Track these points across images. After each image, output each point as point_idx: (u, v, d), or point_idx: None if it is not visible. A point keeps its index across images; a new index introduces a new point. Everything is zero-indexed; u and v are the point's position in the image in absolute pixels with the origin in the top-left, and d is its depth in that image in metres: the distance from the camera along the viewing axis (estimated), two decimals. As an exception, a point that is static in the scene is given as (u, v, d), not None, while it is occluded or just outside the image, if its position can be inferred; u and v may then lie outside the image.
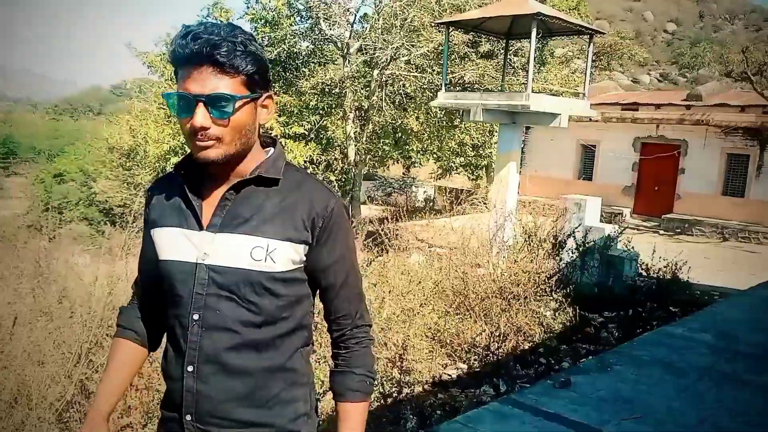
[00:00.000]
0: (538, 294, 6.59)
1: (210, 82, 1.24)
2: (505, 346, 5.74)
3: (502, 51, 13.63)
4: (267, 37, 13.54)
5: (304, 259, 1.38)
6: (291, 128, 13.18)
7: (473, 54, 14.78)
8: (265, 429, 1.37)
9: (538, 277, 6.67)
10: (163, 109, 14.12)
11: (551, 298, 6.68)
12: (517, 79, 15.06)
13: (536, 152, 18.90)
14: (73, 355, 4.00)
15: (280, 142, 1.49)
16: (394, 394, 4.57)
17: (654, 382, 4.17)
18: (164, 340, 1.50)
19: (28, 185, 27.51)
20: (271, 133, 10.64)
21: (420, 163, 24.80)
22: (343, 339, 1.46)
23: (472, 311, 6.20)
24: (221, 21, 11.20)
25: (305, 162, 12.98)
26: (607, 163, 17.57)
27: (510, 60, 14.06)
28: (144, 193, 1.50)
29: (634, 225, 15.60)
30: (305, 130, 13.89)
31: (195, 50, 1.23)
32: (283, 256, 1.33)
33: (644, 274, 8.11)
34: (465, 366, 5.52)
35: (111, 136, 18.28)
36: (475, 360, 5.55)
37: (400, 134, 16.04)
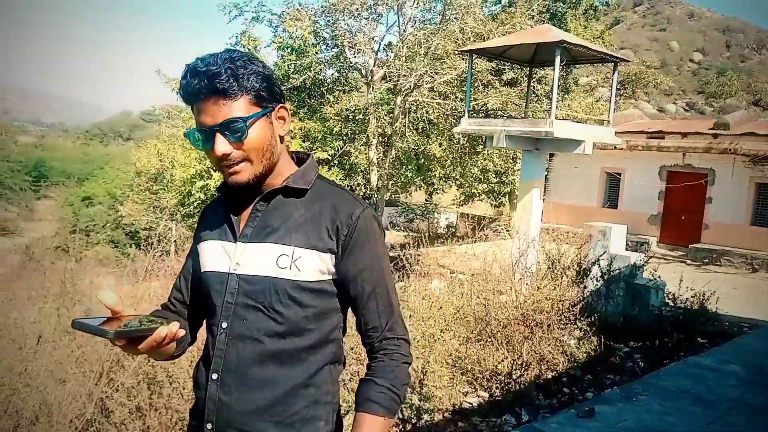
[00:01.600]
0: (562, 322, 6.49)
1: (219, 110, 1.30)
2: (527, 374, 5.64)
3: (525, 78, 13.67)
4: (293, 65, 13.77)
5: (333, 270, 1.38)
6: (315, 153, 13.32)
7: (496, 81, 14.85)
8: None
9: (562, 304, 6.56)
10: (191, 134, 14.34)
11: (575, 326, 6.57)
12: (541, 107, 15.07)
13: (560, 180, 18.78)
14: (94, 374, 4.03)
15: (313, 156, 1.52)
16: (413, 421, 4.51)
17: (681, 413, 4.05)
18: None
19: (58, 208, 28.10)
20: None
21: (442, 190, 24.79)
22: (372, 351, 1.45)
23: (493, 338, 6.11)
24: (248, 49, 11.47)
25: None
26: (633, 191, 17.36)
27: (533, 87, 14.09)
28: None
29: (661, 254, 15.33)
30: (329, 155, 14.02)
31: (197, 86, 1.29)
32: (309, 264, 1.35)
33: (671, 303, 7.95)
34: (486, 394, 5.43)
35: (139, 160, 18.68)
36: (496, 388, 5.46)
37: (422, 160, 16.09)
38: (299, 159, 1.50)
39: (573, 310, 6.62)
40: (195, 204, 14.25)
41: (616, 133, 10.57)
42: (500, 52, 10.45)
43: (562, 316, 6.47)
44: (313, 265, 1.35)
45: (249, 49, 14.21)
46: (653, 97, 40.46)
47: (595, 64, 15.21)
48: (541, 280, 7.23)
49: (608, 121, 10.25)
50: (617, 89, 16.90)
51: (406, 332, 1.46)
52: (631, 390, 4.47)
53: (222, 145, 1.30)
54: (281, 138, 1.42)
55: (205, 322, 1.48)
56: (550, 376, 5.81)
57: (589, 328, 6.53)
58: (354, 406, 1.42)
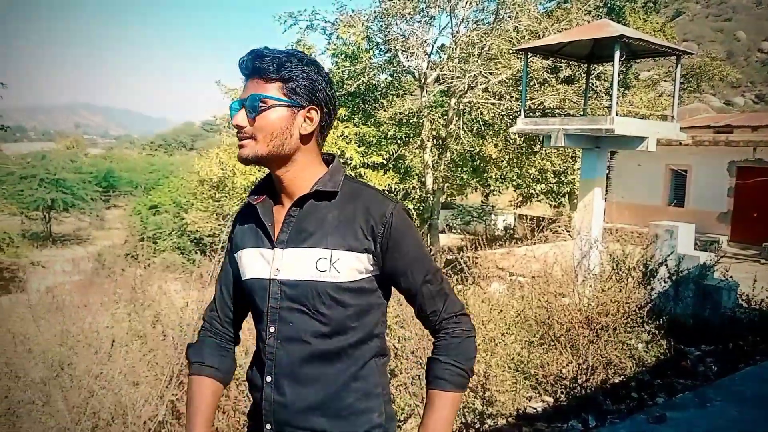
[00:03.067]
0: (629, 325, 6.29)
1: (252, 88, 1.41)
2: (593, 379, 5.50)
3: (583, 75, 13.35)
4: (347, 71, 13.92)
5: (371, 268, 1.43)
6: (370, 158, 13.43)
7: (553, 79, 14.56)
8: None
9: (628, 307, 6.37)
10: (250, 142, 14.71)
11: (643, 329, 6.36)
12: (600, 104, 14.67)
13: (622, 178, 18.24)
14: (165, 377, 4.17)
15: (338, 158, 1.57)
16: (476, 425, 4.47)
17: (759, 420, 3.86)
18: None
19: (126, 217, 29.22)
20: (350, 163, 10.81)
21: (499, 191, 24.46)
22: (434, 332, 1.52)
23: (557, 342, 5.99)
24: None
25: (384, 190, 13.16)
26: (700, 188, 16.67)
27: (592, 84, 13.75)
28: (230, 221, 1.62)
29: (732, 253, 14.64)
30: (384, 159, 14.10)
31: (244, 62, 1.41)
32: (347, 265, 1.39)
33: (745, 305, 7.59)
34: (551, 399, 5.33)
35: (201, 169, 19.26)
36: (561, 393, 5.35)
37: (478, 162, 15.94)
38: (327, 162, 1.54)
39: (640, 313, 6.41)
40: (255, 210, 14.55)
41: (681, 128, 10.18)
42: (556, 49, 10.23)
43: (629, 319, 6.28)
44: (351, 266, 1.40)
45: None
46: (719, 91, 38.77)
47: (657, 58, 14.69)
48: (605, 282, 7.04)
49: (672, 117, 9.88)
50: (680, 83, 16.30)
51: (463, 306, 1.51)
52: (704, 395, 4.29)
53: (239, 116, 1.40)
54: (306, 138, 1.45)
55: (254, 326, 1.53)
56: (617, 381, 5.64)
57: (657, 331, 6.31)
58: (425, 384, 1.48)
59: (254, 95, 1.39)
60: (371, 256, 1.41)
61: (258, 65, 1.39)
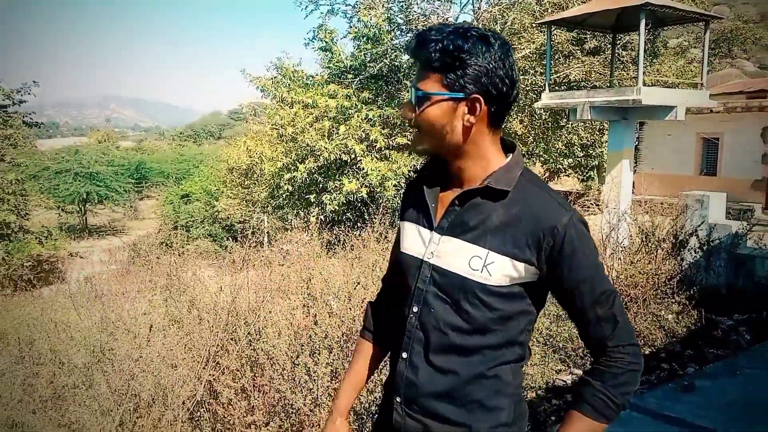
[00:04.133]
0: (658, 296, 6.25)
1: (416, 78, 1.36)
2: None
3: (609, 46, 13.08)
4: (369, 54, 13.90)
5: (529, 277, 1.34)
6: (395, 139, 13.43)
7: (578, 51, 14.30)
8: (462, 430, 1.39)
9: (658, 278, 6.32)
10: (276, 129, 14.88)
11: (673, 300, 6.31)
12: (627, 74, 14.36)
13: (652, 149, 17.89)
14: (202, 359, 4.30)
15: (519, 150, 1.47)
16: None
17: (792, 387, 3.84)
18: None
19: (159, 206, 29.73)
20: (375, 146, 10.77)
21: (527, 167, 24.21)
22: (598, 356, 1.37)
23: (585, 315, 6.00)
24: (325, 42, 11.46)
25: (409, 171, 13.16)
26: (733, 156, 16.27)
27: (618, 54, 13.46)
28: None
29: (767, 221, 14.32)
30: (408, 140, 14.11)
31: (409, 47, 1.37)
32: (500, 270, 1.32)
33: (780, 273, 7.46)
34: (580, 371, 5.36)
35: (230, 157, 19.46)
36: (591, 366, 5.37)
37: (504, 138, 15.79)
38: (506, 149, 1.44)
39: (669, 284, 6.35)
40: (284, 195, 14.73)
41: (710, 95, 9.94)
42: (580, 20, 10.04)
43: (658, 291, 6.24)
44: (505, 272, 1.33)
45: (326, 42, 14.47)
46: (753, 54, 37.49)
47: (685, 25, 14.31)
48: (634, 255, 6.98)
49: (702, 84, 9.65)
50: (711, 48, 15.83)
51: (633, 335, 1.37)
52: (735, 363, 4.28)
53: (406, 107, 1.38)
54: (470, 129, 1.35)
55: (401, 297, 1.51)
56: (647, 352, 5.63)
57: (688, 302, 6.25)
58: (570, 400, 1.41)
59: (414, 87, 1.34)
60: (532, 267, 1.33)
61: (421, 54, 1.33)
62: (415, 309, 1.41)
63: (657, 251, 7.00)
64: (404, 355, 1.43)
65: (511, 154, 1.42)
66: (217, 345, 4.43)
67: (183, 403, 4.05)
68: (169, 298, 5.30)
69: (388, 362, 1.59)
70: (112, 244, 23.85)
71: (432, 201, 1.43)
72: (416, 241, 1.44)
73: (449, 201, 1.41)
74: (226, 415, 4.06)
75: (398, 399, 1.45)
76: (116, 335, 4.45)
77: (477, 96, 1.31)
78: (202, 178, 27.16)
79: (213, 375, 4.25)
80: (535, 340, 5.39)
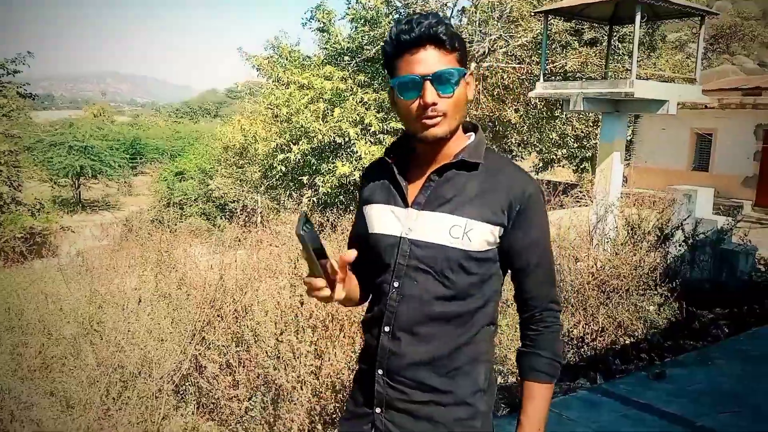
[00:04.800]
0: (641, 288, 6.35)
1: (435, 61, 1.37)
2: (603, 340, 5.61)
3: (606, 38, 13.10)
4: (366, 36, 13.85)
5: (498, 240, 1.46)
6: (389, 124, 13.43)
7: (576, 42, 14.31)
8: (446, 396, 1.47)
9: (641, 270, 6.42)
10: (271, 109, 14.85)
11: (655, 292, 6.41)
12: (623, 66, 14.40)
13: (646, 142, 17.97)
14: (188, 333, 4.38)
15: (481, 128, 1.57)
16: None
17: (761, 377, 3.95)
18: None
19: (153, 183, 29.66)
20: (370, 129, 10.76)
21: (521, 156, 24.26)
22: (532, 320, 1.52)
23: (567, 304, 6.09)
24: (322, 22, 11.48)
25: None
26: (725, 152, 16.37)
27: (615, 47, 13.49)
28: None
29: (756, 218, 14.45)
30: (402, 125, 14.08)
31: (421, 33, 1.35)
32: (479, 236, 1.42)
33: (763, 269, 7.57)
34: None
35: (224, 135, 19.42)
36: (573, 353, 5.47)
37: (498, 127, 15.82)
38: (465, 129, 1.54)
39: (653, 275, 6.46)
40: (277, 176, 14.74)
41: (703, 91, 10.00)
42: (577, 11, 10.05)
43: (641, 282, 6.34)
44: (483, 237, 1.43)
45: (323, 23, 14.42)
46: (752, 51, 37.47)
47: (684, 19, 14.32)
48: (619, 246, 7.08)
49: (695, 79, 9.71)
50: (709, 44, 15.86)
51: (560, 302, 1.56)
52: (707, 354, 4.39)
53: (431, 94, 1.36)
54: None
55: (372, 277, 1.56)
56: (628, 342, 5.74)
57: (670, 294, 6.36)
58: (520, 374, 1.53)
59: (449, 71, 1.37)
60: (502, 229, 1.44)
61: (440, 36, 1.36)
62: (396, 284, 1.47)
63: (642, 243, 7.11)
64: (386, 328, 1.48)
65: (474, 134, 1.52)
66: (204, 321, 4.51)
67: (169, 375, 4.13)
68: (159, 275, 5.36)
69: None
70: (105, 219, 23.83)
71: (403, 181, 1.50)
72: (390, 220, 1.50)
73: (422, 179, 1.48)
74: (210, 389, 4.15)
75: (380, 371, 1.50)
76: (105, 309, 4.51)
77: (471, 71, 1.46)
78: (197, 156, 27.10)
79: (199, 350, 4.33)
80: (516, 325, 5.47)
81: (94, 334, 4.24)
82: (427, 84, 1.36)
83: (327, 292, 1.36)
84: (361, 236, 1.59)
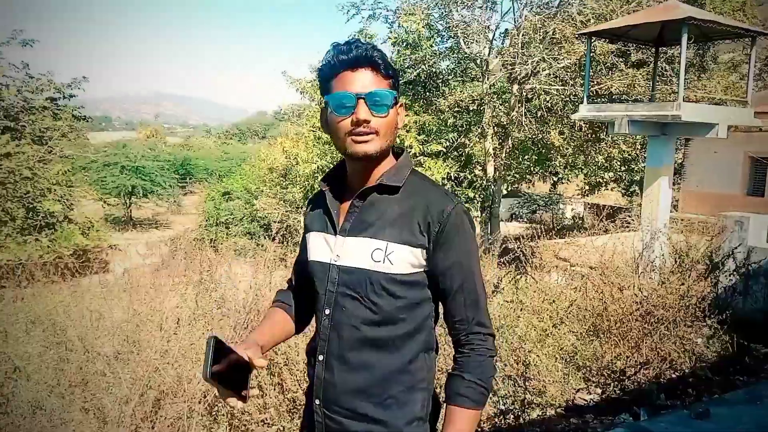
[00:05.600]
0: (688, 319, 6.09)
1: (370, 82, 1.42)
2: (647, 373, 5.38)
3: (653, 59, 12.83)
4: (408, 59, 13.94)
5: (424, 263, 1.46)
6: (429, 146, 13.42)
7: (621, 63, 14.04)
8: (380, 426, 1.45)
9: (689, 300, 6.16)
10: (313, 131, 15.07)
11: (704, 324, 6.13)
12: (671, 88, 14.04)
13: (697, 165, 17.39)
14: (222, 354, 4.38)
15: (407, 152, 1.60)
16: (516, 412, 4.50)
17: (815, 420, 3.70)
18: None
19: (201, 203, 30.34)
20: (410, 151, 10.88)
21: (567, 179, 23.84)
22: (459, 343, 1.51)
23: (609, 334, 5.88)
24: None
25: (443, 179, 13.11)
26: (783, 177, 15.68)
27: (663, 68, 13.17)
28: (303, 206, 1.74)
29: (816, 246, 13.72)
30: (443, 147, 14.06)
31: (358, 54, 1.41)
32: (401, 258, 1.44)
33: (824, 301, 7.17)
34: (599, 391, 5.26)
35: (268, 157, 19.76)
36: (614, 386, 5.27)
37: (541, 149, 15.61)
38: (394, 154, 1.57)
39: (701, 306, 6.18)
40: (318, 198, 14.85)
41: (756, 113, 9.63)
42: (622, 32, 9.89)
43: (688, 313, 6.07)
44: (405, 259, 1.43)
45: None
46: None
47: (737, 40, 13.91)
48: (666, 275, 6.82)
49: (746, 102, 9.37)
50: (764, 64, 15.34)
51: (491, 327, 1.51)
52: (757, 391, 4.15)
53: (364, 111, 1.40)
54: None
55: (314, 306, 1.60)
56: (673, 376, 5.49)
57: (720, 326, 6.07)
58: (444, 399, 1.50)
59: (383, 92, 1.41)
60: (425, 251, 1.44)
61: (377, 60, 1.42)
62: (327, 311, 1.49)
63: (690, 272, 6.83)
64: (320, 357, 1.50)
65: (400, 158, 1.55)
66: (238, 342, 4.53)
67: (204, 396, 4.15)
68: (200, 294, 5.43)
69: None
70: (154, 238, 24.46)
71: (334, 208, 1.53)
72: (323, 247, 1.53)
73: (349, 205, 1.51)
74: (242, 411, 4.15)
75: (317, 402, 1.50)
76: (144, 327, 4.58)
77: (403, 103, 1.51)
78: (243, 177, 27.62)
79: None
80: (556, 356, 5.32)
81: (131, 352, 4.30)
82: (361, 102, 1.40)
83: (240, 403, 1.37)
84: (302, 263, 1.64)
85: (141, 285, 6.15)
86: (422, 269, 1.46)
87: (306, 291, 1.63)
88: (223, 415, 4.28)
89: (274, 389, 4.35)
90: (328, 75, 1.45)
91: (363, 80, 1.41)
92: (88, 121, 14.75)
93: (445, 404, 1.49)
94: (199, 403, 4.09)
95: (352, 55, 1.41)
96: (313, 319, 1.65)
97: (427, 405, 1.50)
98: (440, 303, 1.53)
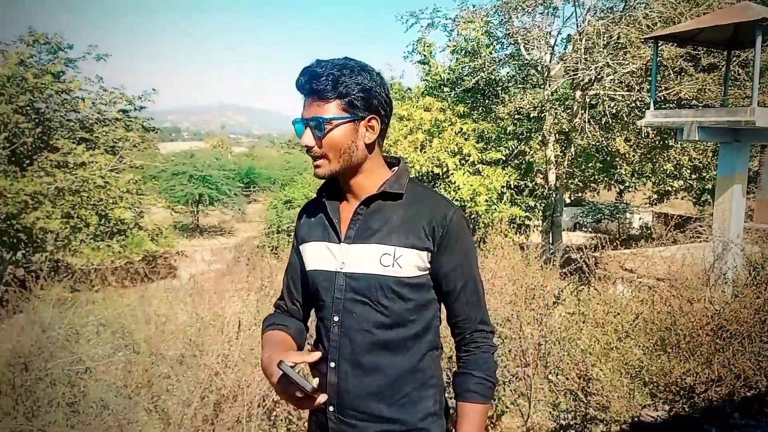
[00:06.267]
0: (765, 335, 5.77)
1: (312, 108, 1.48)
2: (718, 390, 5.13)
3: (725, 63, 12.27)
4: (467, 67, 13.85)
5: (429, 266, 1.52)
6: (488, 154, 13.27)
7: (691, 68, 13.48)
8: (397, 425, 1.51)
9: (765, 315, 5.84)
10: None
11: (784, 340, 5.79)
12: (744, 93, 13.36)
13: (777, 174, 16.45)
14: (281, 361, 4.45)
15: (404, 161, 1.65)
16: (578, 427, 4.37)
17: None
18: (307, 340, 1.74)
19: (264, 211, 31.04)
20: (468, 159, 10.79)
21: (635, 187, 23.04)
22: (464, 342, 1.58)
23: (678, 348, 5.64)
24: (423, 55, 11.73)
25: (502, 187, 12.93)
26: None
27: (735, 72, 12.58)
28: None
29: None
30: (503, 155, 13.87)
31: (300, 82, 1.49)
32: (409, 262, 1.49)
33: None
34: (667, 407, 5.05)
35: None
36: (683, 403, 5.05)
37: (606, 157, 15.15)
38: (389, 164, 1.63)
39: (780, 321, 5.84)
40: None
41: (841, 117, 9.03)
42: (691, 36, 9.49)
43: (765, 328, 5.75)
44: (412, 262, 1.49)
45: (424, 55, 14.62)
46: None
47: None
48: (740, 288, 6.49)
49: (830, 105, 8.81)
50: None
51: (492, 324, 1.61)
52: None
53: (307, 137, 1.49)
54: (370, 146, 1.54)
55: (314, 314, 1.64)
56: (748, 395, 5.21)
57: (802, 343, 5.72)
58: (454, 396, 1.56)
59: (316, 118, 1.46)
60: (430, 254, 1.51)
61: (315, 87, 1.46)
62: (336, 318, 1.52)
63: (766, 285, 6.48)
64: (332, 364, 1.52)
65: (396, 167, 1.60)
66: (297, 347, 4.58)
67: (263, 399, 4.23)
68: (260, 300, 5.55)
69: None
70: (219, 244, 25.21)
71: (336, 217, 1.57)
72: (325, 256, 1.56)
73: (350, 214, 1.56)
74: (299, 417, 4.20)
75: (331, 408, 1.52)
76: (207, 332, 4.71)
77: (374, 116, 1.51)
78: (304, 185, 28.07)
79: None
80: (620, 371, 5.15)
81: (194, 356, 4.42)
82: (306, 129, 1.49)
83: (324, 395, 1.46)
84: (296, 273, 1.68)
85: (205, 290, 6.35)
86: (427, 272, 1.52)
87: (303, 304, 1.70)
88: (282, 419, 4.35)
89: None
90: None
91: (308, 106, 1.49)
92: (156, 132, 15.40)
93: (455, 401, 1.56)
94: (258, 406, 4.17)
95: (298, 84, 1.50)
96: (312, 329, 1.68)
97: (439, 401, 1.57)
98: (443, 304, 1.60)
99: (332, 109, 1.47)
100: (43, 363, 3.92)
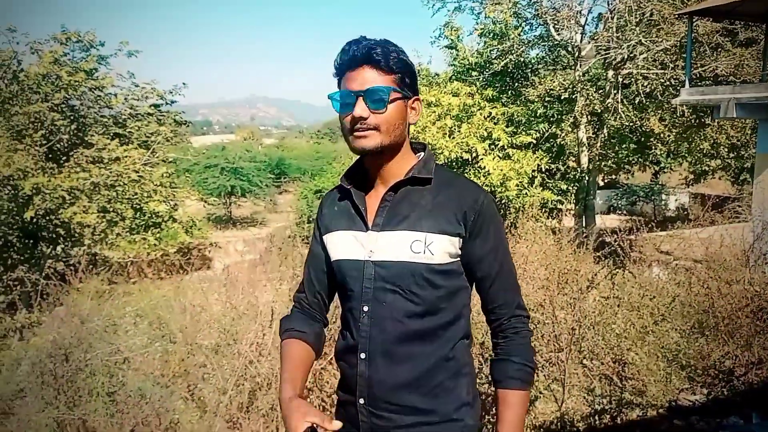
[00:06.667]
0: (808, 316, 5.60)
1: (368, 79, 1.44)
2: (759, 373, 5.01)
3: (763, 37, 11.83)
4: (495, 50, 13.66)
5: (460, 252, 1.49)
6: (518, 138, 13.09)
7: (728, 43, 13.04)
8: (431, 415, 1.47)
9: (809, 296, 5.66)
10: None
11: (827, 321, 5.62)
12: (786, 67, 12.88)
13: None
14: (313, 349, 4.49)
15: (429, 146, 1.62)
16: (613, 412, 4.32)
17: None
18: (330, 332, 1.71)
19: (295, 201, 31.30)
20: (498, 144, 10.67)
21: (670, 168, 22.51)
22: (501, 328, 1.54)
23: (716, 331, 5.51)
24: (450, 39, 11.64)
25: (533, 171, 12.75)
26: None
27: (776, 46, 12.10)
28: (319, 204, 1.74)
29: None
30: (533, 139, 13.67)
31: (356, 53, 1.44)
32: (440, 248, 1.46)
33: None
34: (705, 391, 4.96)
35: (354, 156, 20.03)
36: (722, 387, 4.95)
37: (640, 137, 14.80)
38: (414, 149, 1.59)
39: (823, 302, 5.66)
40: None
41: None
42: (728, 9, 9.19)
43: (809, 310, 5.59)
44: (444, 249, 1.46)
45: (452, 40, 14.48)
46: None
47: None
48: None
49: None
50: None
51: (527, 309, 1.57)
52: None
53: (361, 108, 1.43)
54: (407, 128, 1.53)
55: (340, 304, 1.61)
56: (791, 378, 5.07)
57: None
58: (494, 383, 1.52)
59: (380, 88, 1.43)
60: (461, 240, 1.47)
61: (375, 57, 1.43)
62: (365, 308, 1.48)
63: (810, 265, 6.29)
64: (362, 355, 1.48)
65: (422, 152, 1.57)
66: (330, 337, 4.63)
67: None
68: (293, 289, 5.60)
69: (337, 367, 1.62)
70: (252, 235, 25.54)
71: (362, 205, 1.53)
72: (352, 245, 1.52)
73: (376, 202, 1.52)
74: (331, 402, 4.24)
75: (362, 401, 1.49)
76: (240, 321, 4.78)
77: (417, 98, 1.52)
78: (334, 175, 28.17)
79: (322, 365, 4.45)
80: (657, 355, 5.07)
81: (228, 345, 4.49)
82: (359, 100, 1.42)
83: None
84: (319, 264, 1.64)
85: (239, 280, 6.44)
86: (458, 258, 1.48)
87: (326, 295, 1.66)
88: (316, 407, 4.38)
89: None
90: (337, 74, 1.50)
91: (362, 78, 1.44)
92: (188, 126, 15.60)
93: (494, 389, 1.51)
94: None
95: (350, 55, 1.45)
96: (338, 321, 1.66)
97: (472, 390, 1.53)
98: (477, 291, 1.55)
99: (390, 82, 1.45)
100: (82, 354, 4.02)
